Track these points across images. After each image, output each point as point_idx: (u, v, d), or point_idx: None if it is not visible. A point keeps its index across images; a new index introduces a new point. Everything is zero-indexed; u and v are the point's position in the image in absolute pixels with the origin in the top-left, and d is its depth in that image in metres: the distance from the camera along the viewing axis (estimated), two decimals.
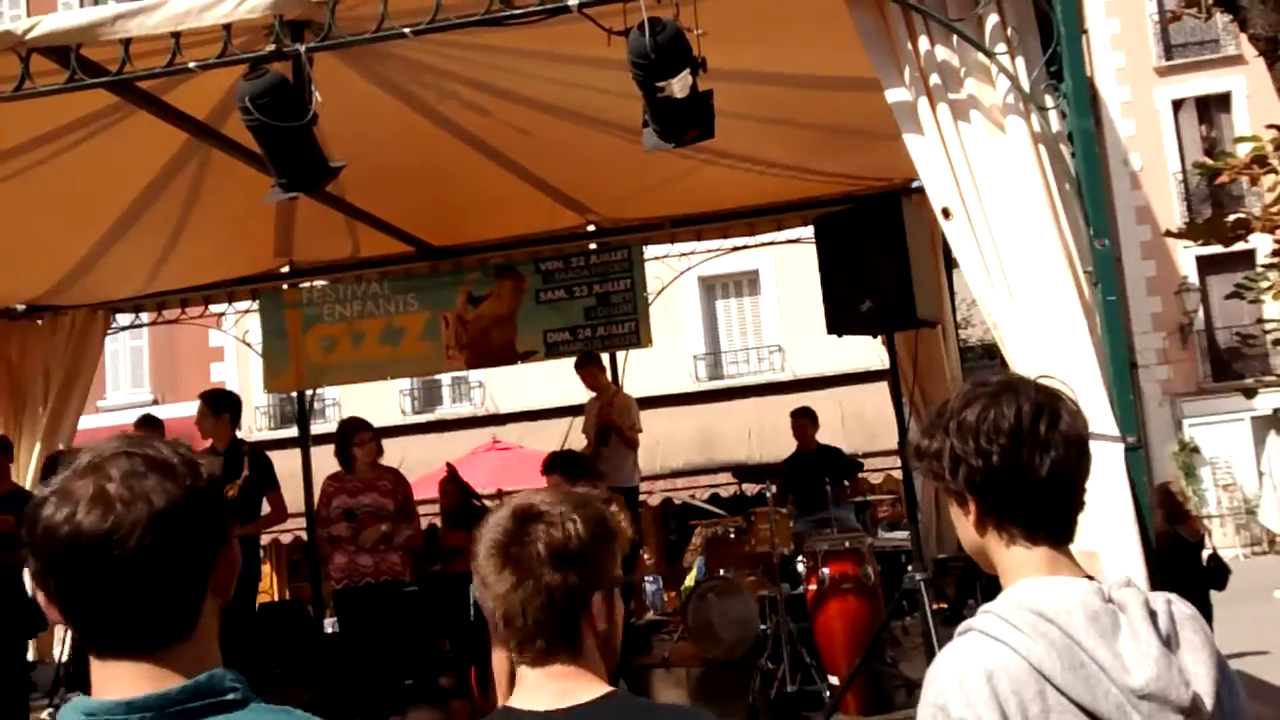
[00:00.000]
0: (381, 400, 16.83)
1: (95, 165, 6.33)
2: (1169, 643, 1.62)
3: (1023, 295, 4.13)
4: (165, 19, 4.35)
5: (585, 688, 1.73)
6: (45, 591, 1.31)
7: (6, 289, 8.76)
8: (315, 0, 4.31)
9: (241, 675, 1.35)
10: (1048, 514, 1.72)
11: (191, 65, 4.48)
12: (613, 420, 8.50)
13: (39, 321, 9.13)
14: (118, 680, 1.31)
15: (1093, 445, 1.80)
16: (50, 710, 7.72)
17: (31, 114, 5.19)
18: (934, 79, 4.30)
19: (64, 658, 7.65)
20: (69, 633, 7.54)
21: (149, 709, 1.28)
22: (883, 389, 17.12)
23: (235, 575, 1.41)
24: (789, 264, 17.56)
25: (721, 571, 7.85)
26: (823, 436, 9.28)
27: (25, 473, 8.66)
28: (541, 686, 1.73)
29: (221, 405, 7.62)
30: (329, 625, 9.99)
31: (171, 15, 4.34)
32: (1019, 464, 1.69)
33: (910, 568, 5.77)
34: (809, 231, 8.40)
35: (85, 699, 1.32)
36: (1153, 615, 1.63)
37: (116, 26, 4.38)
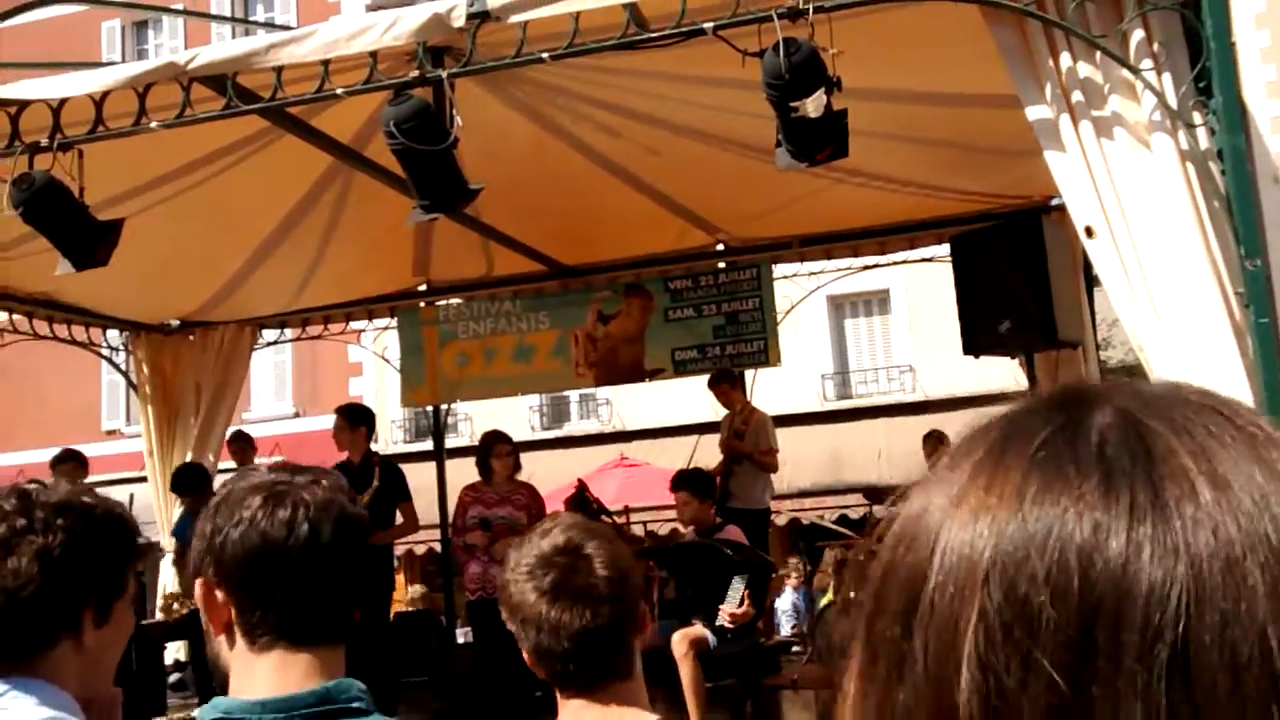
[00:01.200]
0: (511, 416, 17.09)
1: (245, 188, 6.61)
2: None
3: (1169, 316, 4.00)
4: (316, 47, 4.52)
5: (635, 711, 1.75)
6: (223, 588, 1.42)
7: (162, 306, 9.19)
8: (457, 27, 4.43)
9: (369, 686, 1.43)
10: None
11: (339, 91, 4.66)
12: (742, 448, 8.46)
13: (191, 337, 9.54)
14: (261, 676, 1.39)
15: None
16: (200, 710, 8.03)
17: (188, 140, 5.46)
18: (1076, 96, 4.21)
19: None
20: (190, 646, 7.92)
21: (279, 710, 1.34)
22: None
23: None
24: (920, 283, 17.26)
25: (853, 594, 7.75)
26: None
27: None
28: (587, 710, 1.73)
29: (358, 419, 7.86)
30: (461, 635, 10.17)
31: (322, 44, 4.52)
32: None
33: None
34: (943, 250, 8.26)
35: (223, 699, 1.40)
36: None
37: (270, 55, 4.58)
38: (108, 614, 1.58)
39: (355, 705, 1.37)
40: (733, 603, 6.44)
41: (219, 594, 1.42)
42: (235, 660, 1.43)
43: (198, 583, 1.44)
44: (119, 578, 1.59)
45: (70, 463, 8.37)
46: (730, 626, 6.46)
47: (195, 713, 1.42)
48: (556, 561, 1.74)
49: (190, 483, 7.98)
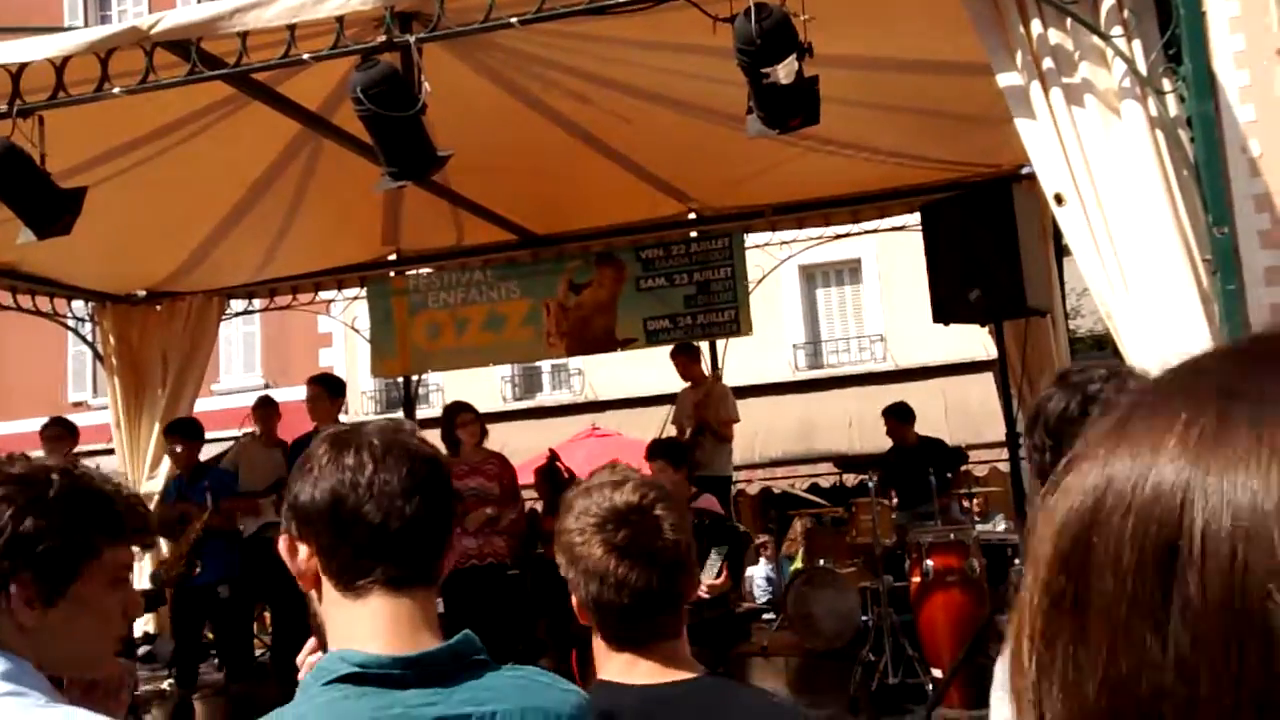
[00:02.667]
0: (483, 386, 17.05)
1: (212, 156, 6.53)
2: None
3: (1138, 284, 4.02)
4: (281, 12, 4.46)
5: (684, 669, 1.79)
6: (320, 537, 1.45)
7: (128, 276, 9.09)
8: None
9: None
10: None
11: (306, 57, 4.59)
12: (706, 418, 8.49)
13: (158, 307, 9.45)
14: (369, 623, 1.40)
15: None
16: (171, 681, 8.02)
17: (153, 106, 5.38)
18: (1047, 63, 4.21)
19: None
20: (171, 611, 7.88)
21: (417, 666, 1.35)
22: (987, 380, 16.78)
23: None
24: (892, 252, 17.31)
25: (821, 562, 7.80)
26: (925, 428, 9.13)
27: (145, 451, 8.99)
28: (636, 664, 1.78)
29: (338, 389, 7.85)
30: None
31: (287, 8, 4.45)
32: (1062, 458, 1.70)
33: (1016, 561, 5.66)
34: (914, 219, 8.28)
35: (351, 651, 1.38)
36: None
37: (235, 20, 4.51)
38: (55, 594, 1.53)
39: (481, 658, 1.40)
40: (710, 574, 6.47)
41: (301, 546, 1.44)
42: (333, 610, 1.43)
43: (281, 539, 1.46)
44: (65, 558, 1.54)
45: (56, 428, 8.21)
46: (706, 597, 6.49)
47: (325, 659, 1.40)
48: (630, 519, 1.75)
49: (190, 430, 7.87)
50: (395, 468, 1.42)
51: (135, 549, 1.68)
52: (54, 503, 1.55)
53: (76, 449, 8.04)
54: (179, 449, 7.73)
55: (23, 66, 4.79)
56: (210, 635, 8.27)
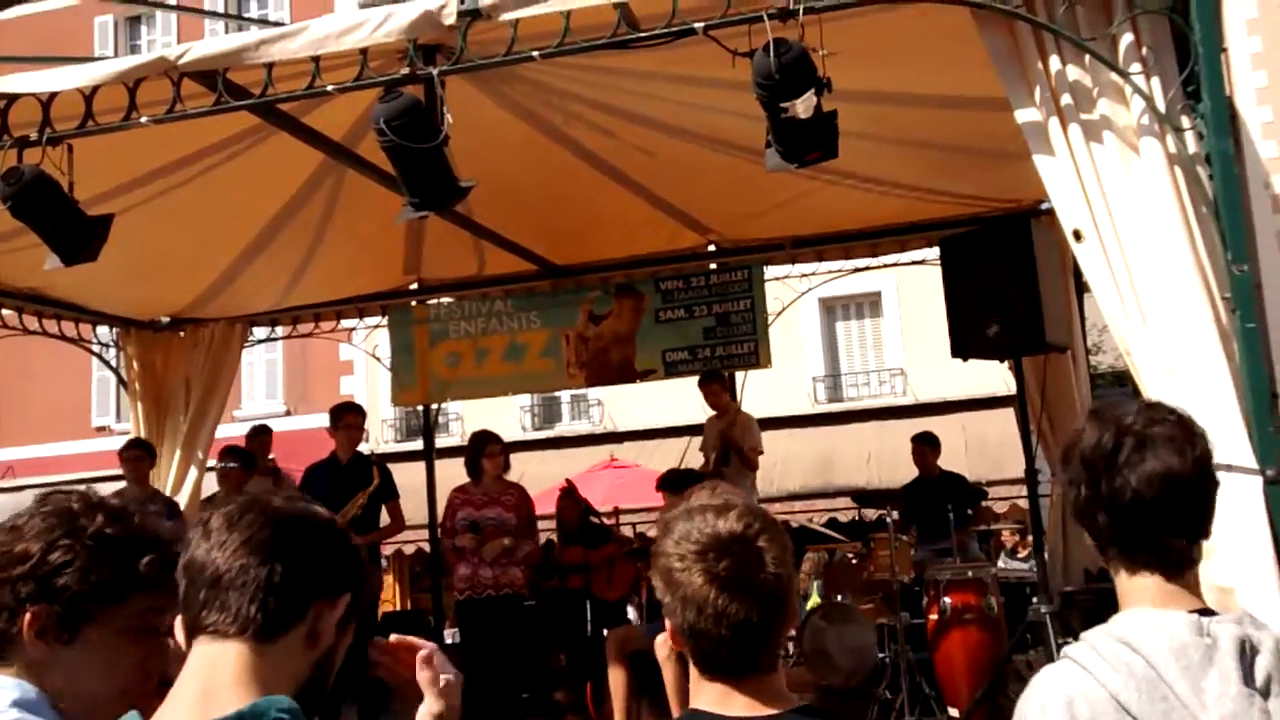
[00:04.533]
0: (502, 416, 17.09)
1: (236, 184, 6.60)
2: (1268, 686, 1.58)
3: (1157, 321, 4.01)
4: (306, 43, 4.52)
5: (777, 704, 1.75)
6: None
7: (151, 302, 9.17)
8: (448, 25, 4.43)
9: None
10: (1146, 543, 1.71)
11: (330, 88, 4.65)
12: (734, 440, 8.48)
13: (181, 334, 9.52)
14: (193, 673, 1.43)
15: (1228, 477, 1.78)
16: None
17: (179, 135, 5.44)
18: (1065, 99, 4.22)
19: None
20: None
21: None
22: (1007, 415, 16.67)
23: (329, 632, 1.54)
24: (912, 286, 17.29)
25: (839, 597, 7.75)
26: (945, 463, 9.10)
27: (167, 476, 9.04)
28: (731, 696, 1.74)
29: (364, 417, 7.96)
30: (449, 636, 10.16)
31: (312, 40, 4.52)
32: (1099, 492, 1.71)
33: (1035, 600, 5.62)
34: (934, 253, 8.26)
35: (135, 715, 1.41)
36: (1249, 653, 1.60)
37: (261, 51, 4.57)
38: (68, 632, 1.54)
39: None
40: None
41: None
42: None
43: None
44: (82, 597, 1.55)
45: (136, 449, 8.27)
46: None
47: None
48: (733, 550, 1.71)
49: (249, 459, 8.06)
50: (222, 527, 1.47)
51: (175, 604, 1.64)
52: (88, 540, 1.55)
53: (97, 474, 8.10)
54: (233, 465, 7.86)
55: (53, 95, 4.87)
56: None
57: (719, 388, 8.75)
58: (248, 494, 1.55)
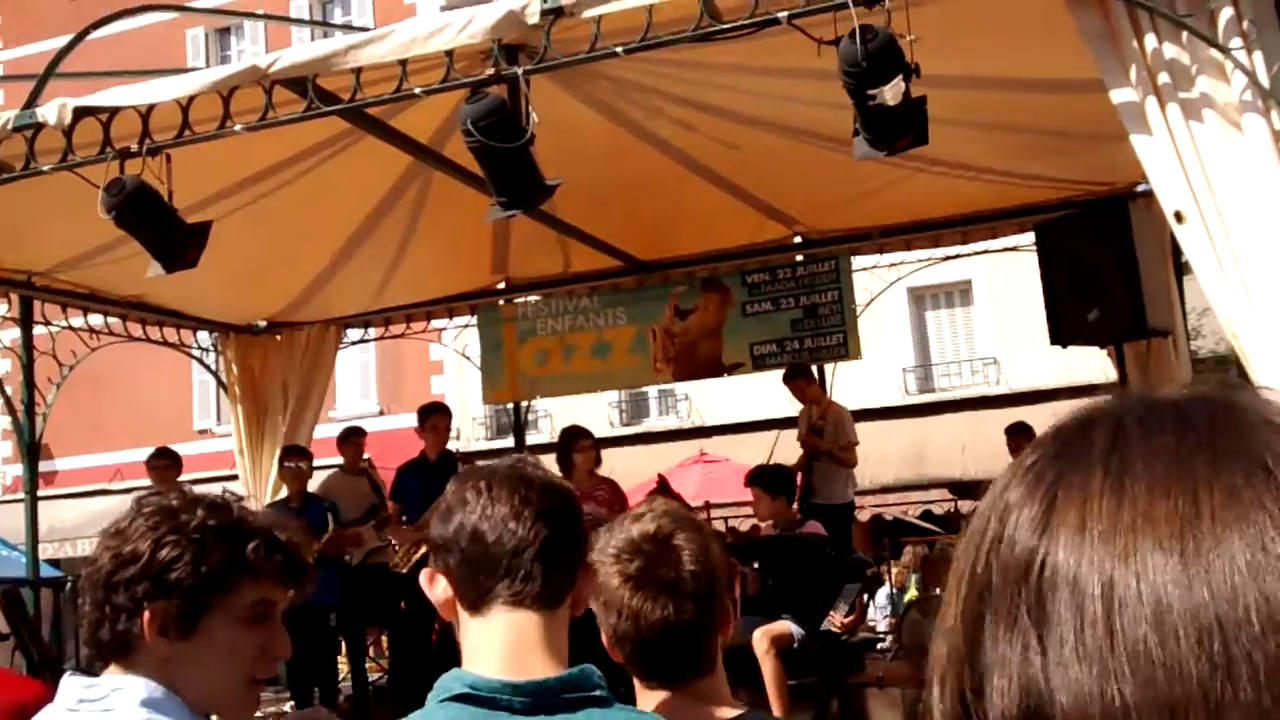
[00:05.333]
0: (591, 412, 17.15)
1: (327, 189, 6.73)
2: None
3: (1264, 301, 3.88)
4: (393, 48, 4.58)
5: (722, 706, 1.74)
6: (444, 562, 1.54)
7: (249, 307, 9.40)
8: (531, 24, 4.46)
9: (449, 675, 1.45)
10: None
11: (417, 91, 4.71)
12: (819, 445, 8.37)
13: (278, 337, 9.73)
14: (490, 644, 1.46)
15: None
16: (292, 704, 8.21)
17: (272, 142, 5.57)
18: (1163, 78, 4.09)
19: None
20: None
21: (529, 694, 1.37)
22: None
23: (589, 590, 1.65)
24: (1003, 273, 16.96)
25: (938, 590, 7.64)
26: None
27: (266, 477, 9.25)
28: (670, 706, 1.71)
29: (449, 418, 8.05)
30: None
31: (399, 44, 4.58)
32: None
33: None
34: (1027, 239, 8.11)
35: (465, 672, 1.43)
36: None
37: (349, 57, 4.65)
38: (188, 626, 1.56)
39: (598, 694, 1.40)
40: (842, 610, 6.38)
41: (440, 576, 1.53)
42: (464, 633, 1.49)
43: (422, 574, 1.55)
44: (196, 590, 1.57)
45: (164, 459, 8.55)
46: (836, 632, 6.42)
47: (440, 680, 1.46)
48: (644, 549, 1.72)
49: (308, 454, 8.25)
50: (508, 495, 1.49)
51: (286, 589, 1.68)
52: (193, 534, 1.58)
53: (200, 475, 8.32)
54: (303, 464, 8.00)
55: (151, 107, 5.01)
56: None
57: (803, 383, 8.63)
58: (492, 466, 1.59)
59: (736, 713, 1.73)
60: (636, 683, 1.78)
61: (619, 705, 1.42)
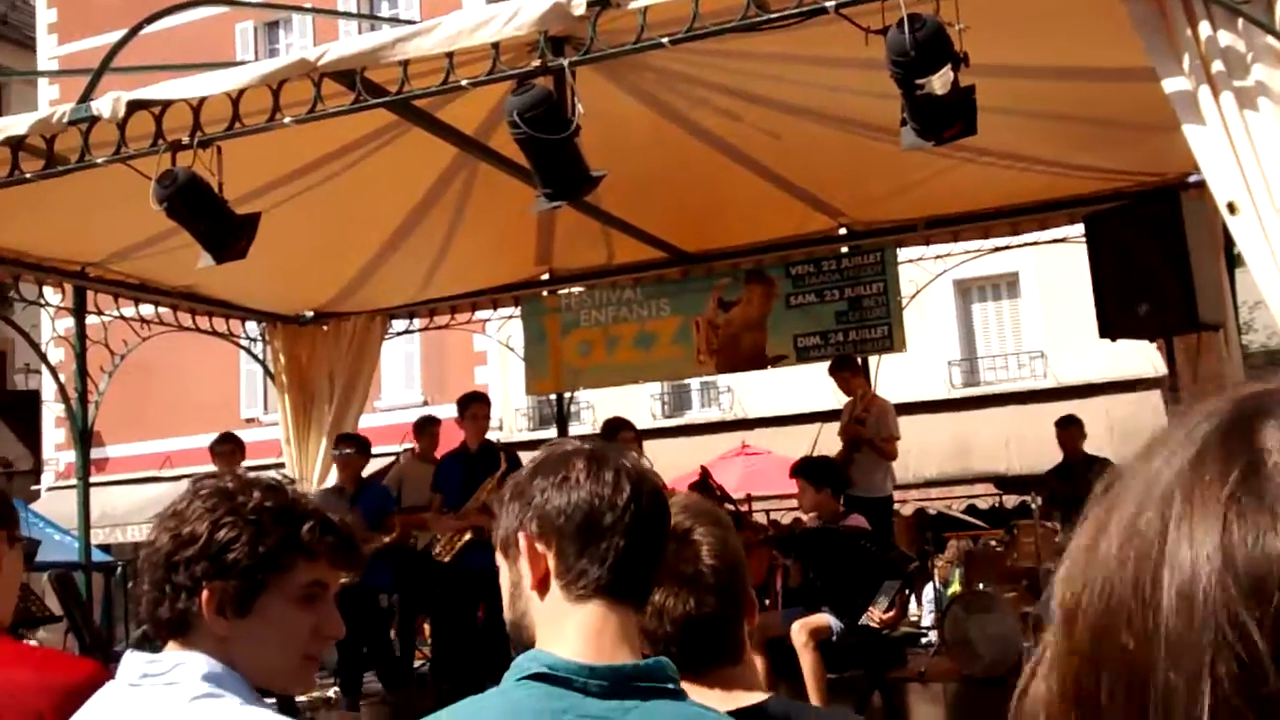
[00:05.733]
0: (633, 404, 17.18)
1: (374, 181, 6.78)
2: None
3: None
4: (440, 40, 4.61)
5: (746, 694, 1.74)
6: (547, 540, 1.50)
7: (297, 298, 9.49)
8: (577, 16, 4.46)
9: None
10: None
11: (464, 83, 4.73)
12: (862, 434, 8.33)
13: (324, 327, 9.82)
14: (575, 632, 1.45)
15: None
16: (336, 689, 8.30)
17: (319, 135, 5.61)
18: (1216, 66, 4.03)
19: None
20: None
21: (604, 678, 1.38)
22: (1153, 398, 16.07)
23: None
24: (1051, 265, 16.76)
25: (981, 585, 7.60)
26: (1089, 446, 8.82)
27: (314, 465, 9.35)
28: (705, 695, 1.71)
29: (488, 407, 8.10)
30: None
31: (446, 36, 4.60)
32: None
33: None
34: (1075, 230, 8.01)
35: (544, 653, 1.42)
36: None
37: (396, 49, 4.68)
38: (245, 605, 1.60)
39: (670, 686, 1.40)
40: (881, 605, 6.36)
41: (539, 546, 1.48)
42: (547, 612, 1.48)
43: (520, 536, 1.50)
44: (253, 570, 1.60)
45: (228, 444, 8.66)
46: (875, 627, 6.39)
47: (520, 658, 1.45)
48: (671, 546, 1.73)
49: (362, 442, 8.31)
50: (637, 491, 1.49)
51: (339, 570, 1.70)
52: (250, 515, 1.61)
53: (248, 463, 8.42)
54: (350, 450, 8.09)
55: (202, 100, 5.07)
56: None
57: (848, 374, 8.59)
58: (604, 448, 1.58)
59: (761, 697, 1.74)
60: None
61: (690, 700, 1.42)
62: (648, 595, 1.51)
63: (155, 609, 1.62)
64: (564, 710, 1.35)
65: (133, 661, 1.61)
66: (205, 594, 1.59)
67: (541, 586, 1.48)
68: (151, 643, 1.66)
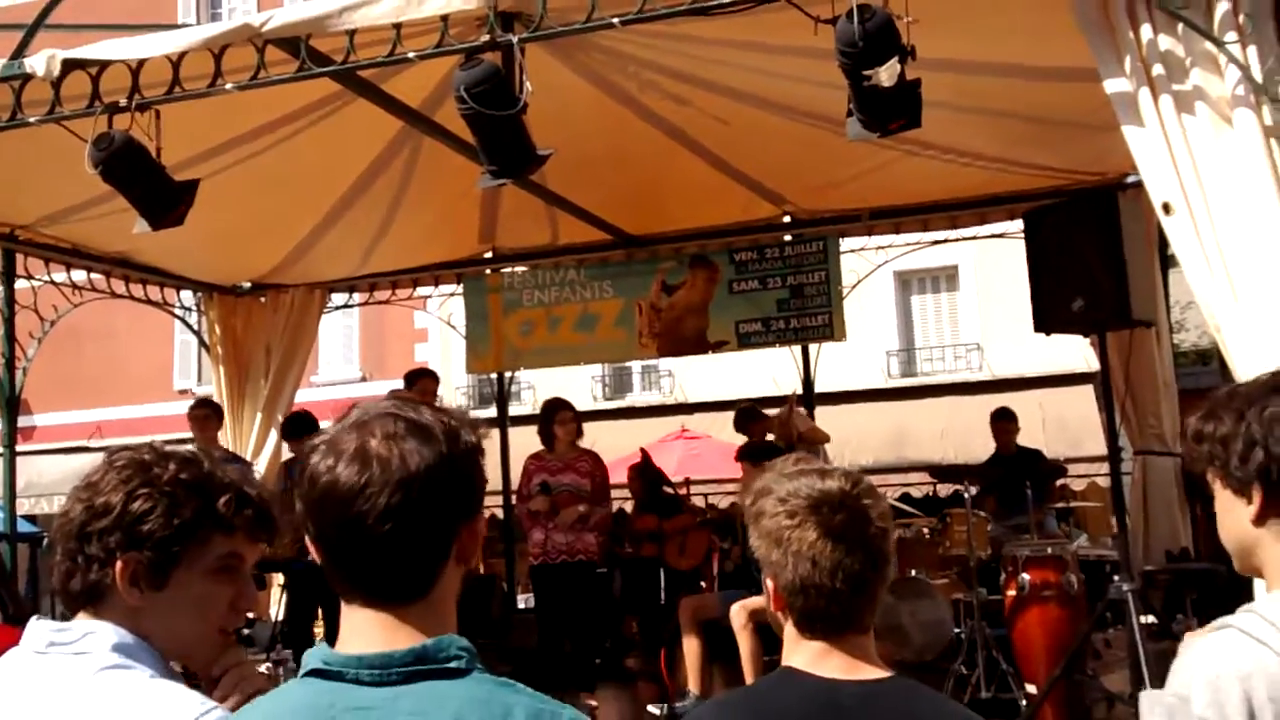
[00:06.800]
0: (574, 385, 17.15)
1: (316, 151, 6.68)
2: None
3: (1248, 296, 3.90)
4: (388, 10, 4.54)
5: (873, 666, 1.79)
6: (308, 535, 1.42)
7: (234, 268, 9.35)
8: None
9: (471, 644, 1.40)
10: None
11: (411, 55, 4.68)
12: (789, 436, 8.37)
13: (262, 299, 9.70)
14: (356, 630, 1.40)
15: None
16: (269, 665, 8.22)
17: (261, 102, 5.53)
18: (1157, 69, 4.10)
19: (280, 616, 8.11)
20: (284, 593, 8.07)
21: (375, 666, 1.34)
22: (1086, 392, 16.36)
23: (479, 545, 1.48)
24: (989, 260, 17.01)
25: (913, 572, 7.70)
26: (1023, 439, 8.97)
27: (248, 439, 9.24)
28: (829, 656, 1.77)
29: (436, 383, 8.05)
30: (522, 601, 10.28)
31: (393, 7, 4.54)
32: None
33: (1116, 578, 5.53)
34: (1014, 226, 8.12)
35: (326, 648, 1.39)
36: None
37: (343, 19, 4.61)
38: (159, 577, 1.58)
39: (452, 665, 1.36)
40: None
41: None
42: (342, 612, 1.43)
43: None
44: (167, 542, 1.58)
45: (204, 409, 8.38)
46: None
47: (305, 655, 1.41)
48: (844, 505, 1.77)
49: (300, 428, 8.11)
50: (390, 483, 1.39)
51: (255, 543, 1.68)
52: (165, 487, 1.59)
53: (180, 435, 8.28)
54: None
55: (142, 62, 4.96)
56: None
57: (752, 424, 8.48)
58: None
59: (885, 674, 1.78)
60: (792, 631, 1.81)
61: (478, 675, 1.36)
62: (428, 588, 1.41)
63: (68, 580, 1.59)
64: (330, 704, 1.32)
65: (39, 629, 1.58)
66: (119, 565, 1.57)
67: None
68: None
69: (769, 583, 1.81)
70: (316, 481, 1.39)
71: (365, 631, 1.39)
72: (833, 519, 1.76)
